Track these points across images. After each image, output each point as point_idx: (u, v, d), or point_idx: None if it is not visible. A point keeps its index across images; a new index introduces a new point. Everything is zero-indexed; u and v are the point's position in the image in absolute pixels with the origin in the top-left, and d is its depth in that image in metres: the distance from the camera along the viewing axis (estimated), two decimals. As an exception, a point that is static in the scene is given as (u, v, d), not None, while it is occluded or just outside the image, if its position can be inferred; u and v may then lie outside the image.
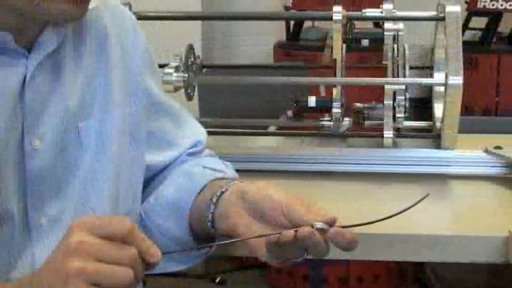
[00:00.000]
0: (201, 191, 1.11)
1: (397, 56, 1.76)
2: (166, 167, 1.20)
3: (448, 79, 1.64)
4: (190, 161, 1.21)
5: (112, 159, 1.05)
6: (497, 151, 1.71)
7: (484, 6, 3.59)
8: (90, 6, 1.02)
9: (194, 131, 1.25)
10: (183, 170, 1.18)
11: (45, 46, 0.96)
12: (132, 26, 1.13)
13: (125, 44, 1.09)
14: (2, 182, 0.92)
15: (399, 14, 1.78)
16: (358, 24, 1.83)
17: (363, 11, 1.79)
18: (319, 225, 0.96)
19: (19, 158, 0.95)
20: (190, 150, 1.22)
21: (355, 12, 1.80)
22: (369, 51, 2.56)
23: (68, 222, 0.99)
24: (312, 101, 1.83)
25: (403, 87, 1.76)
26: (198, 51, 1.91)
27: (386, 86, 1.76)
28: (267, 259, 0.98)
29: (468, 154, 1.73)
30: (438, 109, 1.84)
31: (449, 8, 1.72)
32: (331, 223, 0.97)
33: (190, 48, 1.84)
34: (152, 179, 1.19)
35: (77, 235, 0.79)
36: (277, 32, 4.10)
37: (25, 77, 0.94)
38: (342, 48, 1.78)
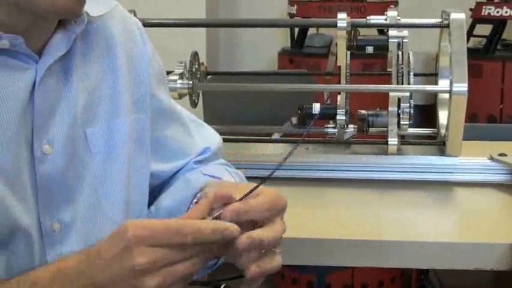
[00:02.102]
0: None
1: (402, 63, 1.76)
2: (173, 175, 1.20)
3: (453, 86, 1.64)
4: (194, 169, 1.20)
5: (121, 165, 1.05)
6: (501, 158, 1.72)
7: (489, 13, 3.60)
8: (98, 14, 1.03)
9: (205, 138, 1.24)
10: (183, 178, 1.18)
11: (55, 51, 0.97)
12: (140, 34, 1.13)
13: (132, 52, 1.10)
14: (14, 187, 0.92)
15: (404, 21, 1.78)
16: (362, 31, 1.82)
17: (368, 18, 1.79)
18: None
19: (29, 163, 0.95)
20: (198, 158, 1.22)
21: (359, 19, 1.79)
22: (373, 58, 2.58)
23: (81, 228, 1.00)
24: (316, 108, 1.82)
25: (408, 94, 1.76)
26: (202, 58, 1.92)
27: (390, 93, 1.76)
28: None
29: (473, 161, 1.73)
30: (443, 116, 1.84)
31: (454, 15, 1.73)
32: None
33: (195, 55, 1.85)
34: (159, 187, 1.18)
35: (141, 253, 0.84)
36: (281, 39, 4.10)
37: (35, 81, 0.94)
38: (346, 55, 1.79)
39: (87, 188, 1.01)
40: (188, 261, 0.87)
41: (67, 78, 0.99)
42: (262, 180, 0.95)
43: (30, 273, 0.90)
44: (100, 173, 1.03)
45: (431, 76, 2.01)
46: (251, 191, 0.93)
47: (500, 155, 1.73)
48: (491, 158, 1.73)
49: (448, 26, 1.73)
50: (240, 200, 0.93)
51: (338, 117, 1.79)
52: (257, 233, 0.91)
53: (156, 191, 1.17)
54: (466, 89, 1.64)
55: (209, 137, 1.26)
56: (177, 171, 1.20)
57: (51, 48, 0.96)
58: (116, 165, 1.04)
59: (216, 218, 0.91)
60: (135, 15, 1.78)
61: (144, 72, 1.11)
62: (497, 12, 3.57)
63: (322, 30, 3.80)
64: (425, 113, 2.27)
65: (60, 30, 0.98)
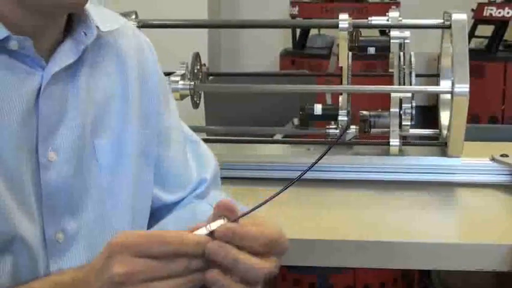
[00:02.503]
0: None
1: (404, 64, 1.76)
2: (169, 206, 1.18)
3: (455, 87, 1.64)
4: (197, 201, 1.19)
5: (128, 177, 1.05)
6: (503, 159, 1.71)
7: (490, 14, 3.59)
8: (108, 29, 1.03)
9: (201, 167, 1.22)
10: (189, 207, 1.16)
11: (63, 59, 0.97)
12: (151, 53, 1.14)
13: (144, 69, 1.10)
14: (17, 193, 0.92)
15: (405, 21, 1.78)
16: (364, 32, 1.82)
17: (369, 18, 1.79)
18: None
19: (34, 169, 0.94)
20: (197, 192, 1.20)
21: (361, 20, 1.79)
22: (375, 59, 2.57)
23: (86, 239, 0.99)
24: (318, 109, 1.82)
25: (409, 95, 1.76)
26: (204, 60, 1.91)
27: (392, 94, 1.76)
28: None
29: (474, 162, 1.73)
30: (444, 117, 1.84)
31: (456, 16, 1.72)
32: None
33: (197, 56, 1.84)
34: (157, 212, 1.17)
35: (120, 261, 0.81)
36: (283, 40, 4.10)
37: (40, 87, 0.94)
38: (348, 56, 1.78)
39: (93, 198, 1.01)
40: (170, 281, 0.82)
41: (75, 89, 0.99)
42: (271, 196, 0.88)
43: (28, 284, 0.90)
44: (107, 184, 1.02)
45: (433, 77, 2.00)
46: (254, 208, 0.87)
47: (502, 155, 1.72)
48: (493, 159, 1.72)
49: (449, 26, 1.72)
50: (240, 217, 0.86)
51: (340, 118, 1.78)
52: (236, 252, 0.83)
53: (154, 215, 1.15)
54: (467, 89, 1.63)
55: (205, 163, 1.23)
56: (177, 202, 1.18)
57: (59, 56, 0.96)
58: (123, 177, 1.04)
59: (211, 233, 0.84)
60: (136, 16, 1.80)
61: (153, 89, 1.11)
62: (499, 13, 3.56)
63: (323, 31, 3.80)
64: (427, 114, 2.26)
65: (69, 40, 0.98)
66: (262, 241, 0.85)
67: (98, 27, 1.01)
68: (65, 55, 0.97)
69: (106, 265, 0.81)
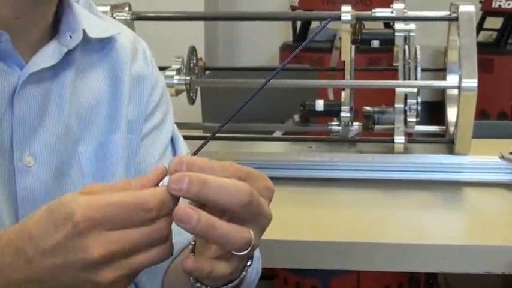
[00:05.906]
0: None
1: (409, 58, 1.75)
2: None
3: (462, 82, 1.63)
4: None
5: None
6: (513, 157, 1.69)
7: (499, 5, 3.59)
8: (97, 36, 1.00)
9: None
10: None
11: (42, 60, 0.93)
12: (144, 59, 1.10)
13: (137, 75, 1.07)
14: None
15: (410, 13, 1.77)
16: (367, 24, 1.81)
17: (373, 10, 1.77)
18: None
19: (8, 174, 0.91)
20: None
21: (364, 12, 1.77)
22: (379, 52, 2.56)
23: None
24: (319, 104, 1.81)
25: (415, 90, 1.75)
26: (200, 53, 1.90)
27: (397, 89, 1.74)
28: None
29: (483, 160, 1.72)
30: (451, 113, 1.82)
31: (463, 8, 1.71)
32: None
33: (193, 50, 1.83)
34: None
35: (94, 239, 0.70)
36: (283, 33, 4.09)
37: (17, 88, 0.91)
38: (350, 50, 1.77)
39: None
40: (153, 250, 0.72)
41: (60, 91, 0.96)
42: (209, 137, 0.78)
43: None
44: None
45: (440, 71, 1.99)
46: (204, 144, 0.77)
47: (511, 153, 1.70)
48: (502, 157, 1.70)
49: (457, 19, 1.71)
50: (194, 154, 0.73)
51: (342, 114, 1.78)
52: (205, 175, 0.69)
53: None
54: (475, 84, 1.62)
55: None
56: None
57: (40, 56, 0.93)
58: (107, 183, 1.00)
59: None
60: (129, 8, 1.78)
61: (144, 96, 1.07)
62: (509, 4, 3.56)
63: (325, 24, 3.78)
64: (433, 110, 2.26)
65: (54, 42, 0.95)
66: (234, 170, 0.72)
67: (84, 30, 0.97)
68: (47, 56, 0.93)
69: (74, 245, 0.70)
